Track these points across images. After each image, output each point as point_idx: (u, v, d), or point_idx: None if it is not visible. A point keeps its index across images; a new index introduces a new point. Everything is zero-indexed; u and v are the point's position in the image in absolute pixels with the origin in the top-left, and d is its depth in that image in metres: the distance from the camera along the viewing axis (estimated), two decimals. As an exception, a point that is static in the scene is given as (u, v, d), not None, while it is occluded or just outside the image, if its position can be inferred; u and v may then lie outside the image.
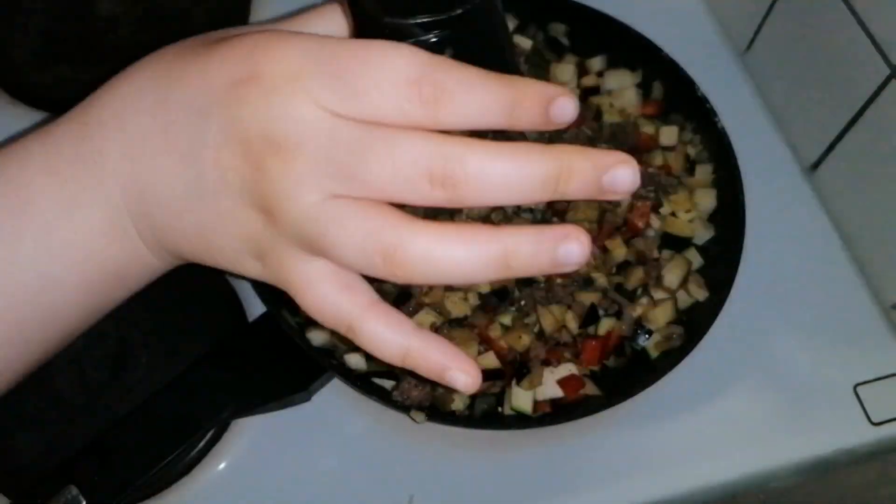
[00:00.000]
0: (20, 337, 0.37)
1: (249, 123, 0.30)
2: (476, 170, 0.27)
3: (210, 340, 0.62)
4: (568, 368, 0.60)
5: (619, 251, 0.65)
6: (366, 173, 0.28)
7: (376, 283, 0.62)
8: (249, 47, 0.31)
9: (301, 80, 0.29)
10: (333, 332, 0.60)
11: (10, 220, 0.35)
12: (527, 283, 0.64)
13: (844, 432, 0.63)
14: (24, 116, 0.76)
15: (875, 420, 0.63)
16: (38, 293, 0.36)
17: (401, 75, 0.28)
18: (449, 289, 0.63)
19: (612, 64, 0.75)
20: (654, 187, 0.68)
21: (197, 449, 0.60)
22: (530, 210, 0.67)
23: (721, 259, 0.65)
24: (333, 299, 0.32)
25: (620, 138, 0.71)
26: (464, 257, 0.29)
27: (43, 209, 0.35)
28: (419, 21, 0.31)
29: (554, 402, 0.60)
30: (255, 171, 0.30)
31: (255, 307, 0.64)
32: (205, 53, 0.33)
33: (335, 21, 0.37)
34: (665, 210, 0.68)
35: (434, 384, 0.60)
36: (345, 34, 0.37)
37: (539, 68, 0.76)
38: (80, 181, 0.35)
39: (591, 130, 0.72)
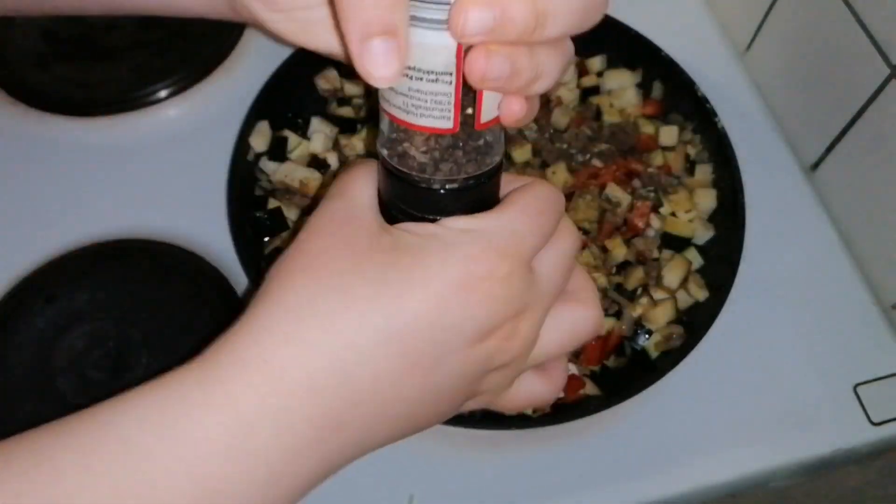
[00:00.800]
0: None
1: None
2: None
3: (210, 340, 0.62)
4: (568, 368, 0.60)
5: (619, 251, 0.65)
6: (553, 296, 0.36)
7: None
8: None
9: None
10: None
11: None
12: (527, 283, 0.64)
13: (844, 432, 0.63)
14: (24, 116, 0.76)
15: (875, 420, 0.63)
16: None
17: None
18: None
19: (612, 64, 0.75)
20: (654, 187, 0.68)
21: (197, 449, 0.60)
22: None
23: (721, 259, 0.65)
24: (540, 386, 0.39)
25: (620, 138, 0.71)
26: None
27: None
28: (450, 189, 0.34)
29: (554, 403, 0.60)
30: (508, 339, 0.34)
31: (255, 307, 0.64)
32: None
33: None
34: (665, 210, 0.68)
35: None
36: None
37: (539, 68, 0.76)
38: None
39: (591, 130, 0.72)
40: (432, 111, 0.32)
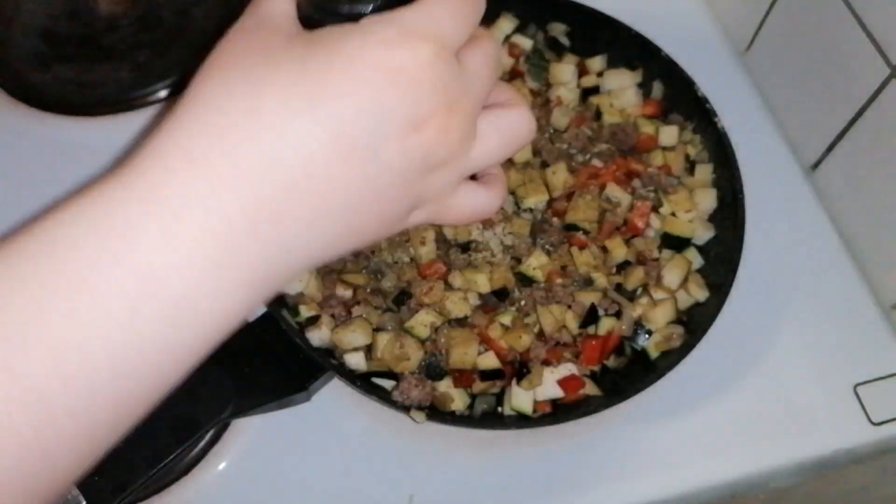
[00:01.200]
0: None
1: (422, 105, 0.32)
2: None
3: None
4: (568, 368, 0.60)
5: (619, 251, 0.65)
6: (482, 92, 0.36)
7: (374, 282, 0.62)
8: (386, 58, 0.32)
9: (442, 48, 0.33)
10: (333, 332, 0.60)
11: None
12: (527, 283, 0.64)
13: (844, 432, 0.63)
14: (24, 116, 0.76)
15: (875, 420, 0.63)
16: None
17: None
18: (449, 289, 0.63)
19: (612, 64, 0.75)
20: (654, 187, 0.68)
21: (197, 449, 0.60)
22: (530, 210, 0.67)
23: (721, 259, 0.65)
24: (479, 199, 0.39)
25: (620, 138, 0.71)
26: None
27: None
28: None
29: (554, 402, 0.60)
30: (442, 133, 0.33)
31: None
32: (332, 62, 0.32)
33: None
34: (665, 210, 0.68)
35: (434, 384, 0.60)
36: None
37: (539, 68, 0.76)
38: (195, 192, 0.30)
39: (591, 130, 0.72)
40: None
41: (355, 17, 0.33)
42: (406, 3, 0.34)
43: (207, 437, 0.60)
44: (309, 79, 0.31)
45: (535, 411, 0.60)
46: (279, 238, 0.31)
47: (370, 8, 0.35)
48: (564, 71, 0.74)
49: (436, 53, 0.32)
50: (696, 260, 0.66)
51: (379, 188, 0.33)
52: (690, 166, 0.71)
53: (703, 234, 0.67)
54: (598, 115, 0.73)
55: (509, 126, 0.37)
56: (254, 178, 0.30)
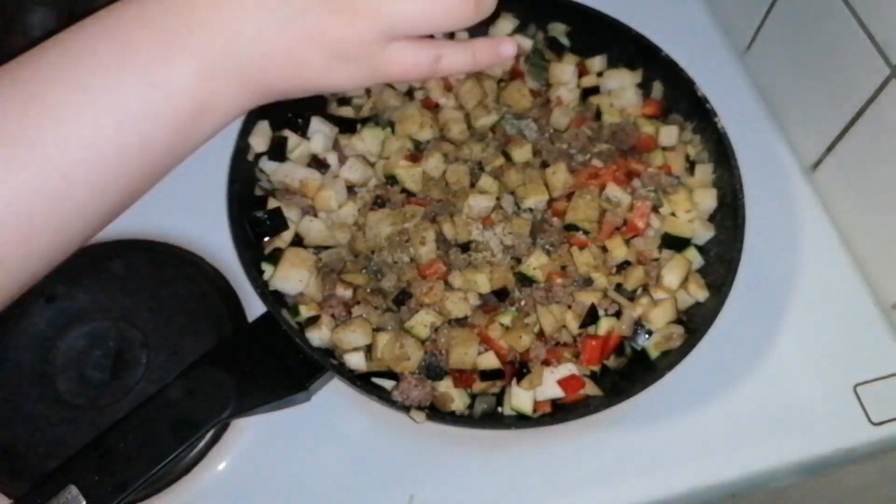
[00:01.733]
0: (125, 170, 0.40)
1: None
2: None
3: (210, 340, 0.63)
4: (568, 368, 0.60)
5: (619, 251, 0.65)
6: None
7: (375, 282, 0.62)
8: None
9: None
10: (333, 332, 0.60)
11: (114, 59, 0.39)
12: (527, 283, 0.64)
13: (844, 432, 0.63)
14: (24, 116, 0.76)
15: (875, 420, 0.63)
16: (141, 121, 0.39)
17: None
18: (449, 289, 0.63)
19: (612, 64, 0.75)
20: (654, 187, 0.68)
21: (197, 449, 0.60)
22: (530, 210, 0.67)
23: (721, 259, 0.65)
24: (422, 53, 0.43)
25: (620, 138, 0.71)
26: None
27: (142, 52, 0.39)
28: None
29: (554, 402, 0.60)
30: None
31: (255, 307, 0.64)
32: None
33: None
34: (665, 210, 0.68)
35: (434, 384, 0.60)
36: None
37: (539, 68, 0.76)
38: (173, 30, 0.39)
39: (591, 130, 0.72)
40: None
41: None
42: None
43: (207, 437, 0.60)
44: None
45: (535, 411, 0.60)
46: (237, 50, 0.40)
47: None
48: (564, 71, 0.74)
49: None
50: (696, 260, 0.66)
51: (289, 17, 0.39)
52: (690, 166, 0.71)
53: (703, 234, 0.67)
54: (598, 115, 0.73)
55: None
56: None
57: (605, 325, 0.63)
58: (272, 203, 0.67)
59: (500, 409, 0.61)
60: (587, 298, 0.63)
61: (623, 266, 0.66)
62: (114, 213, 0.42)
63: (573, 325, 0.62)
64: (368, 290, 0.63)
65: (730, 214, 0.66)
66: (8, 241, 0.37)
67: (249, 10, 0.39)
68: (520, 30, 0.77)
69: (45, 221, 0.38)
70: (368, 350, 0.61)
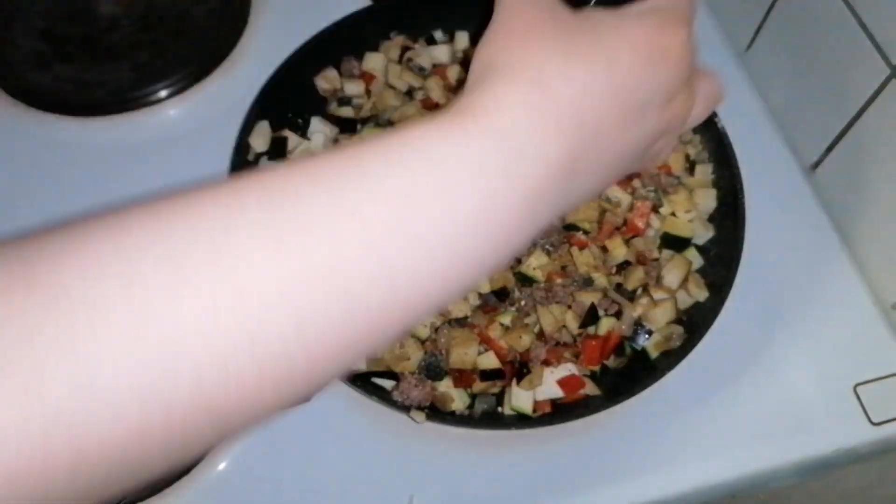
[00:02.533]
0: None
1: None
2: None
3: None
4: (568, 368, 0.60)
5: (619, 251, 0.65)
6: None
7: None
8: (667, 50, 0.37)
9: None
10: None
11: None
12: (527, 282, 0.64)
13: (844, 432, 0.63)
14: (24, 116, 0.76)
15: (875, 420, 0.63)
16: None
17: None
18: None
19: (612, 64, 0.75)
20: (654, 187, 0.68)
21: (197, 449, 0.60)
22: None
23: (721, 259, 0.65)
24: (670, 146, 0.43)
25: (620, 138, 0.71)
26: None
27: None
28: None
29: (554, 402, 0.60)
30: (684, 109, 0.39)
31: (255, 307, 0.64)
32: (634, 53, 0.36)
33: None
34: (665, 210, 0.68)
35: (434, 384, 0.60)
36: None
37: (539, 68, 0.76)
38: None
39: (591, 130, 0.72)
40: None
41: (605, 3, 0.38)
42: None
43: (207, 437, 0.60)
44: (603, 52, 0.35)
45: (535, 411, 0.60)
46: (566, 190, 0.34)
47: None
48: (564, 71, 0.74)
49: (689, 35, 0.38)
50: (696, 260, 0.66)
51: (635, 147, 0.37)
52: (690, 166, 0.71)
53: (703, 234, 0.67)
54: (598, 115, 0.73)
55: (710, 92, 0.42)
56: (568, 134, 0.33)
57: (605, 325, 0.63)
58: (272, 203, 0.67)
59: (500, 409, 0.61)
60: (587, 298, 0.63)
61: (623, 266, 0.66)
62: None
63: (573, 325, 0.62)
64: (368, 290, 0.63)
65: (730, 214, 0.66)
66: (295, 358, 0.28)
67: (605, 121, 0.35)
68: (520, 30, 0.77)
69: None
70: (368, 350, 0.61)
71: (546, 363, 0.61)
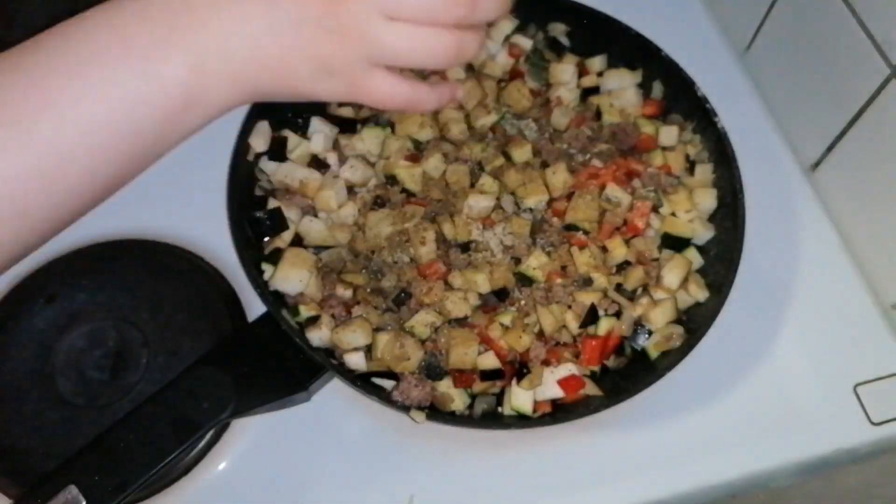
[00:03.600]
0: (116, 155, 0.42)
1: None
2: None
3: (210, 340, 0.63)
4: (568, 368, 0.60)
5: (619, 251, 0.65)
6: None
7: (375, 282, 0.62)
8: None
9: None
10: (333, 332, 0.60)
11: (113, 50, 0.41)
12: (527, 283, 0.64)
13: (844, 432, 0.63)
14: (24, 116, 0.76)
15: (875, 420, 0.63)
16: (134, 109, 0.41)
17: None
18: (449, 289, 0.63)
19: (612, 64, 0.75)
20: (654, 187, 0.68)
21: (197, 449, 0.60)
22: (530, 210, 0.67)
23: (721, 259, 0.65)
24: (398, 87, 0.45)
25: (620, 138, 0.71)
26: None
27: (140, 45, 0.41)
28: None
29: (554, 402, 0.60)
30: (333, 4, 0.41)
31: (255, 307, 0.64)
32: None
33: None
34: (665, 210, 0.68)
35: (434, 384, 0.60)
36: None
37: (539, 68, 0.76)
38: (171, 26, 0.41)
39: (590, 130, 0.72)
40: None
41: None
42: None
43: (207, 437, 0.60)
44: None
45: (535, 411, 0.60)
46: (233, 51, 0.42)
47: None
48: (564, 71, 0.74)
49: None
50: (696, 260, 0.66)
51: (284, 26, 0.42)
52: (690, 166, 0.71)
53: (703, 234, 0.67)
54: (598, 115, 0.73)
55: (425, 39, 0.43)
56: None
57: (605, 325, 0.63)
58: (272, 203, 0.67)
59: (500, 409, 0.61)
60: (587, 298, 0.63)
61: (623, 266, 0.66)
62: (104, 195, 0.45)
63: (573, 325, 0.62)
64: (368, 290, 0.63)
65: (730, 214, 0.66)
66: (3, 216, 0.39)
67: (248, 16, 0.42)
68: (520, 30, 0.77)
69: (39, 199, 0.41)
70: (368, 350, 0.61)
71: (546, 363, 0.61)
